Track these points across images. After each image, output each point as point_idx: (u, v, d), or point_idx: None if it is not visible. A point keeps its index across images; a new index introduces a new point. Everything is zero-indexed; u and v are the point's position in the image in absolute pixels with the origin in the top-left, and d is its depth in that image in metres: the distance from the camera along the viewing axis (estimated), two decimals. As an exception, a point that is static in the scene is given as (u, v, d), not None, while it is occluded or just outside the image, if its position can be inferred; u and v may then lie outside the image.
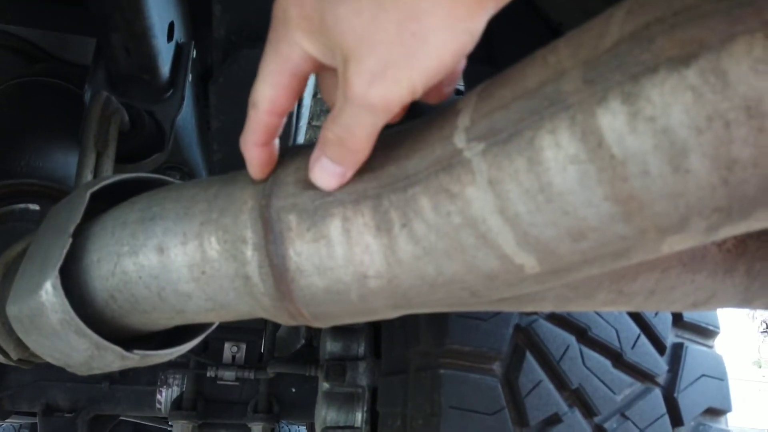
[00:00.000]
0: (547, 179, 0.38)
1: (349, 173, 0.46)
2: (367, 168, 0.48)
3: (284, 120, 0.49)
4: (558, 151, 0.37)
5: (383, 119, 0.42)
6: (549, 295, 0.53)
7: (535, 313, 0.88)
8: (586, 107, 0.36)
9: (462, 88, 1.26)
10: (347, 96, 0.41)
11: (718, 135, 0.32)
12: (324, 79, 0.50)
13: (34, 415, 1.56)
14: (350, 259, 0.47)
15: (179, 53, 1.13)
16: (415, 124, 0.48)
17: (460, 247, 0.43)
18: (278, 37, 0.44)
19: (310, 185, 0.49)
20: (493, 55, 0.98)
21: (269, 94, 0.46)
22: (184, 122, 1.28)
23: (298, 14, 0.41)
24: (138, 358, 0.65)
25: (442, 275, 0.46)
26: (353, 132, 0.43)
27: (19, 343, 0.73)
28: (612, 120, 0.35)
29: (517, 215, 0.40)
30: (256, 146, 0.49)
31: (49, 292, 0.59)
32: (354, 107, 0.41)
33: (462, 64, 0.45)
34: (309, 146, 0.54)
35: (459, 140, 0.42)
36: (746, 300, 0.54)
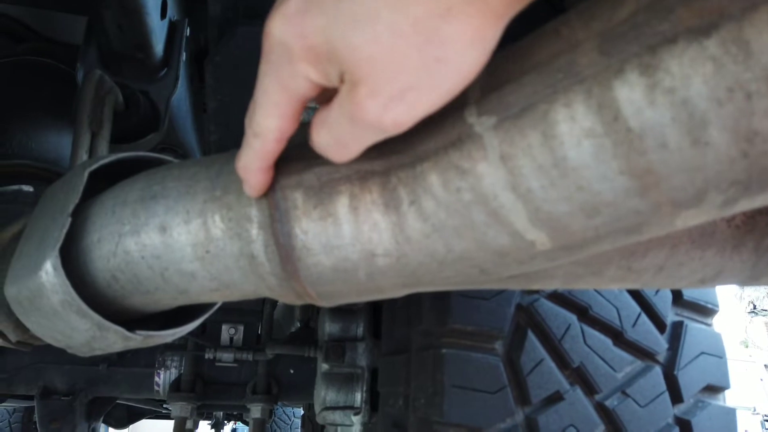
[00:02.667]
0: (561, 154, 0.37)
1: None
2: (374, 145, 0.47)
3: None
4: (573, 125, 0.36)
5: (383, 136, 0.41)
6: (558, 272, 0.53)
7: (537, 293, 0.88)
8: (602, 79, 0.35)
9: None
10: (354, 116, 0.39)
11: (739, 106, 0.32)
12: None
13: (30, 398, 1.56)
14: (358, 237, 0.47)
15: (173, 31, 1.11)
16: (423, 99, 0.47)
17: (470, 224, 0.43)
18: (279, 69, 0.41)
19: (316, 162, 0.48)
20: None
21: (276, 125, 0.44)
22: (178, 103, 1.26)
23: (302, 46, 0.39)
24: (141, 339, 0.64)
25: (451, 253, 0.45)
26: (347, 146, 0.42)
27: (19, 325, 0.72)
28: (629, 92, 0.34)
29: (530, 191, 0.39)
30: (261, 171, 0.47)
31: (49, 273, 0.58)
32: (359, 127, 0.40)
33: None
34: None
35: (469, 114, 0.41)
36: (753, 276, 0.54)
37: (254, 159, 0.47)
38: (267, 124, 0.44)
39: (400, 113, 0.38)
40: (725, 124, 0.32)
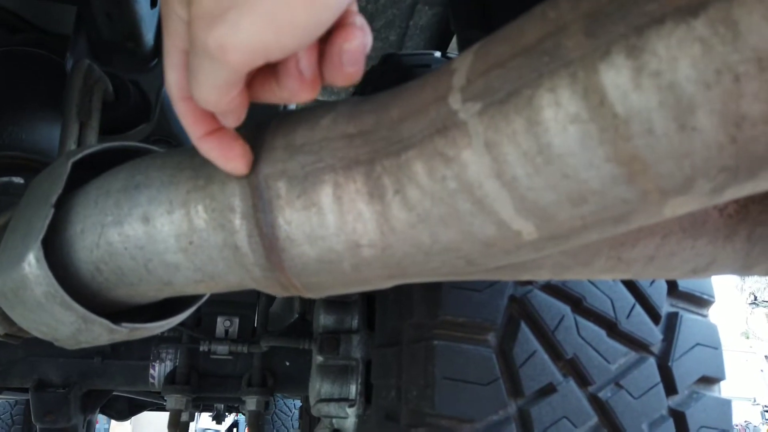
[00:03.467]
0: (546, 140, 0.36)
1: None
2: (358, 132, 0.46)
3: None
4: (558, 111, 0.35)
5: (227, 72, 0.39)
6: (546, 263, 0.52)
7: (530, 284, 0.87)
8: (588, 63, 0.34)
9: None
10: (191, 40, 0.38)
11: (727, 89, 0.30)
12: None
13: (25, 391, 1.56)
14: (342, 227, 0.46)
15: (164, 21, 1.09)
16: (408, 84, 0.46)
17: (455, 213, 0.42)
18: (163, 14, 0.42)
19: (299, 151, 0.47)
20: (490, 20, 0.95)
21: (172, 78, 0.44)
22: (170, 93, 1.25)
23: None
24: (126, 332, 0.63)
25: (437, 243, 0.45)
26: (197, 78, 0.40)
27: (5, 318, 0.72)
28: (615, 76, 0.33)
29: (515, 179, 0.38)
30: (201, 139, 0.46)
31: (32, 264, 0.57)
32: (198, 53, 0.38)
33: (362, 40, 0.41)
34: (297, 111, 0.52)
35: (454, 101, 0.40)
36: (746, 266, 0.53)
37: (186, 126, 0.46)
38: (167, 78, 0.44)
39: (224, 35, 0.36)
40: (713, 108, 0.31)
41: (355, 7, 0.43)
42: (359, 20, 0.42)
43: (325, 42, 0.42)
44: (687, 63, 0.31)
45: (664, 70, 0.31)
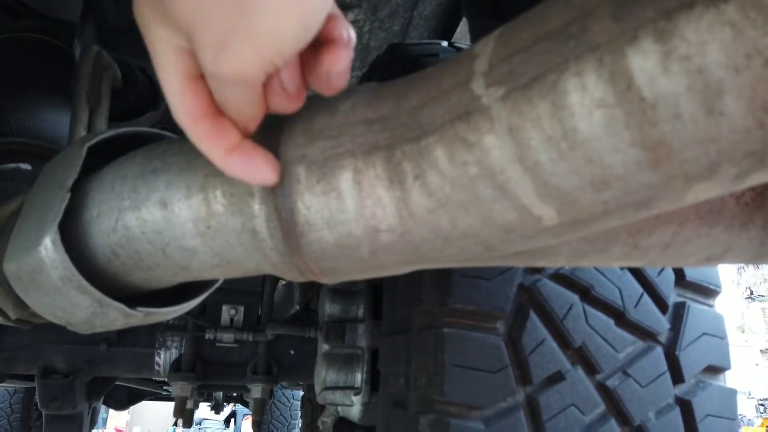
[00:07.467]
0: (571, 125, 0.36)
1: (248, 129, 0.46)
2: (378, 117, 0.46)
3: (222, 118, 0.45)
4: (584, 95, 0.35)
5: (249, 89, 0.41)
6: (563, 249, 0.52)
7: (539, 273, 0.87)
8: (615, 47, 0.34)
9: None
10: (204, 68, 0.40)
11: (757, 74, 0.31)
12: None
13: (30, 378, 1.56)
14: (361, 212, 0.46)
15: (172, 7, 1.09)
16: (427, 71, 0.46)
17: (476, 199, 0.42)
18: (148, 42, 0.42)
19: (319, 136, 0.47)
20: (501, 10, 0.95)
21: (177, 103, 0.43)
22: (177, 81, 1.24)
23: (148, 7, 0.39)
24: (142, 316, 0.64)
25: (456, 229, 0.45)
26: (227, 100, 0.42)
27: (18, 302, 0.72)
28: (643, 60, 0.33)
29: (538, 164, 0.38)
30: (225, 160, 0.45)
31: (49, 248, 0.57)
32: (212, 79, 0.41)
33: (347, 59, 0.44)
34: (316, 97, 0.52)
35: (477, 86, 0.40)
36: (760, 255, 0.53)
37: (205, 150, 0.45)
38: (172, 105, 0.44)
39: (231, 63, 0.38)
40: (741, 92, 0.31)
41: (337, 11, 0.44)
42: (344, 31, 0.44)
43: (311, 54, 0.44)
44: (716, 47, 0.31)
45: (693, 54, 0.31)
